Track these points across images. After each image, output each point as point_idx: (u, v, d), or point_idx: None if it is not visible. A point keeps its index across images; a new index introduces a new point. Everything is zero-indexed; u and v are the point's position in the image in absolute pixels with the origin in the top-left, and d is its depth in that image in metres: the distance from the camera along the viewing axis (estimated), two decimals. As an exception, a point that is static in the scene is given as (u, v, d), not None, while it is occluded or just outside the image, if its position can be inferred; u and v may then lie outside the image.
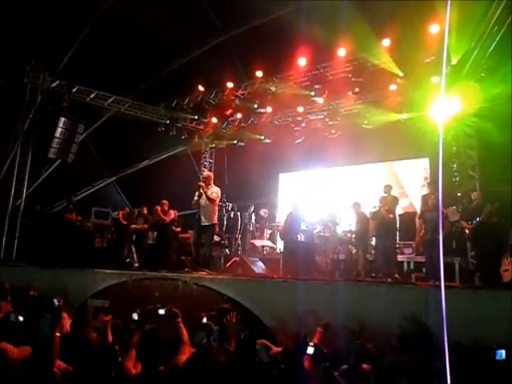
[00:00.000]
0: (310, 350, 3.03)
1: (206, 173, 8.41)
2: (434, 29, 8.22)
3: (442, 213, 7.79)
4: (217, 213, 7.86)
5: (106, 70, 11.22)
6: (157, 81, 12.54)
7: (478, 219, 7.09)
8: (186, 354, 3.22)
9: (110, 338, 3.64)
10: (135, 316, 4.53)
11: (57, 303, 4.79)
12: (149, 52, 11.68)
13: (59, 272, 8.07)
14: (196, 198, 7.43)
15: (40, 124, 10.53)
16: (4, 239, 9.93)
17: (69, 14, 10.29)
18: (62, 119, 10.58)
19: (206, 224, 7.43)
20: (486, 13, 7.21)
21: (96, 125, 12.72)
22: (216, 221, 7.80)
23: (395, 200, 8.29)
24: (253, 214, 11.73)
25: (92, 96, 11.33)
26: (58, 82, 10.80)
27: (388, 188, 8.44)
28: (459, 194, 9.19)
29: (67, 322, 3.90)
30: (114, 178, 14.47)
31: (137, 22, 10.53)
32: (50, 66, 10.79)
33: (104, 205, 11.50)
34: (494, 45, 7.47)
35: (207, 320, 4.10)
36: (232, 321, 3.63)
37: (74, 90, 10.92)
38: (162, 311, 3.56)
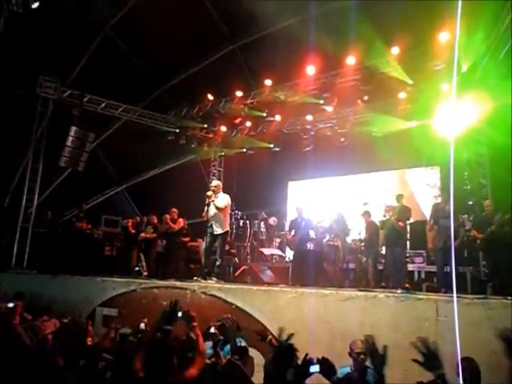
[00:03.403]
0: (316, 369, 2.73)
1: (214, 182, 8.40)
2: (443, 36, 8.17)
3: (458, 220, 7.70)
4: (228, 220, 7.83)
5: (116, 79, 11.35)
6: (166, 90, 12.66)
7: (489, 229, 6.99)
8: (198, 367, 3.17)
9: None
10: (142, 325, 4.54)
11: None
12: (158, 61, 11.81)
13: (69, 280, 8.12)
14: (206, 208, 7.41)
15: (51, 133, 10.67)
16: (15, 247, 10.03)
17: (80, 26, 10.46)
18: (73, 128, 10.71)
19: (219, 232, 7.40)
20: (497, 19, 7.16)
21: (106, 134, 12.86)
22: (228, 228, 7.76)
23: (406, 209, 8.19)
24: (262, 223, 11.71)
25: (103, 105, 11.46)
26: (69, 92, 10.95)
27: (400, 197, 8.36)
28: (471, 203, 9.07)
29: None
30: (123, 187, 14.57)
31: (146, 32, 10.66)
32: (61, 77, 10.96)
33: (114, 213, 11.56)
34: (504, 51, 7.40)
35: (214, 330, 4.08)
36: (232, 328, 3.59)
37: (85, 99, 11.05)
38: (179, 314, 3.54)
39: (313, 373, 2.70)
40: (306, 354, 2.81)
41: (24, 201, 10.36)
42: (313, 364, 2.71)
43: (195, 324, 3.57)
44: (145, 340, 3.37)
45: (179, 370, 3.01)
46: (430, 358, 2.31)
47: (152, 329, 3.54)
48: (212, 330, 4.10)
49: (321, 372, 2.79)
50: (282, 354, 2.52)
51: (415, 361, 2.38)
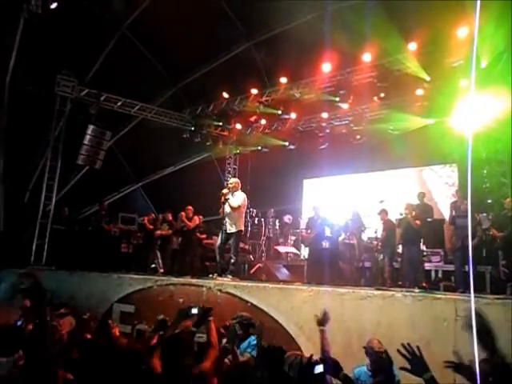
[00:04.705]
0: (320, 369, 2.70)
1: (232, 179, 8.34)
2: (462, 32, 8.04)
3: (475, 219, 7.58)
4: (243, 219, 7.73)
5: (132, 78, 11.44)
6: (182, 88, 12.73)
7: (509, 228, 6.87)
8: (211, 359, 3.23)
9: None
10: (162, 316, 4.60)
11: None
12: (174, 60, 11.88)
13: (87, 276, 8.24)
14: (222, 206, 7.39)
15: (69, 132, 10.81)
16: (35, 243, 10.21)
17: (97, 26, 10.57)
18: (91, 127, 10.85)
19: (232, 231, 7.35)
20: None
21: (123, 132, 12.99)
22: (242, 227, 7.67)
23: (428, 208, 8.10)
24: (277, 221, 11.70)
25: (119, 104, 11.57)
26: (86, 91, 11.08)
27: (421, 195, 8.28)
28: (490, 201, 8.92)
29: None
30: (140, 184, 14.70)
31: (162, 31, 10.72)
32: (79, 76, 11.09)
33: (130, 210, 11.68)
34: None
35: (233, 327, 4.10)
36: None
37: (102, 98, 11.17)
38: (194, 310, 3.57)
39: (318, 373, 2.70)
40: (311, 356, 2.82)
41: (43, 198, 10.53)
42: (317, 364, 2.72)
43: (211, 318, 3.60)
44: (164, 337, 3.42)
45: (194, 363, 3.06)
46: (416, 363, 2.31)
47: (171, 326, 3.58)
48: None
49: (326, 371, 2.73)
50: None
51: (402, 368, 2.37)
